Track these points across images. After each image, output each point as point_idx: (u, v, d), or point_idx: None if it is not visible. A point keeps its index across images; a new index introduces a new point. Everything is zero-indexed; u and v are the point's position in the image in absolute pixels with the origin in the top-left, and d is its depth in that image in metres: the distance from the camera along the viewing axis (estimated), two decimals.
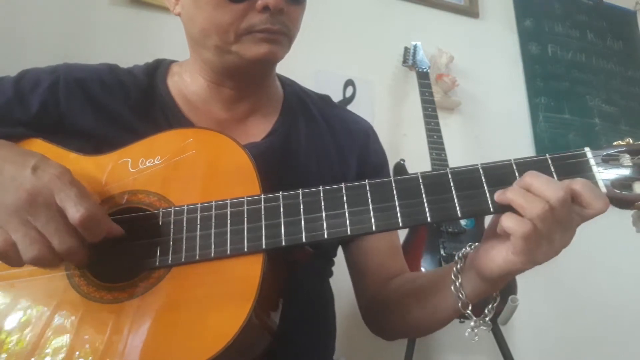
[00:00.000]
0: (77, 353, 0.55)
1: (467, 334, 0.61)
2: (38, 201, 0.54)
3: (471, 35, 2.23)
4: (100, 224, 0.57)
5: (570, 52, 2.40)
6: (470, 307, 0.61)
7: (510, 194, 0.53)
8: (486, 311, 0.61)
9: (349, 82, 1.91)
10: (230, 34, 0.69)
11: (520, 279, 1.47)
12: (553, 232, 0.52)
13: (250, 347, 0.57)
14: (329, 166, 0.81)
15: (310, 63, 1.80)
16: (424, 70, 1.88)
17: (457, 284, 0.62)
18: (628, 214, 0.55)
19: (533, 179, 0.52)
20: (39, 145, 0.70)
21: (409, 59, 1.96)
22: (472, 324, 0.61)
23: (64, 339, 0.56)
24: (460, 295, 0.61)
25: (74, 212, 0.54)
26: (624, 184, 0.53)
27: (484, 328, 0.61)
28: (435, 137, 1.66)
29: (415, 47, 1.97)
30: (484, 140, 2.06)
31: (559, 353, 1.89)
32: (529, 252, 0.53)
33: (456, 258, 0.64)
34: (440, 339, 1.74)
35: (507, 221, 0.53)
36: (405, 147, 1.89)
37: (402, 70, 2.03)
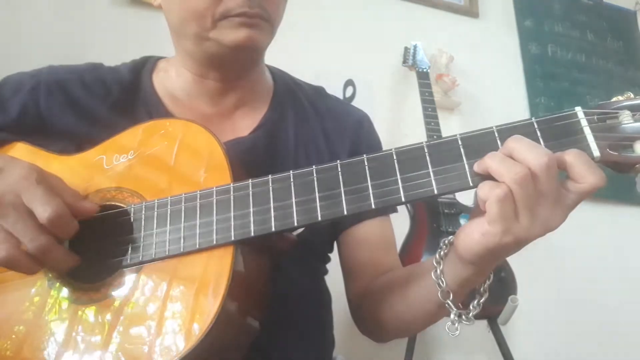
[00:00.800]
0: (52, 354, 0.55)
1: (447, 327, 0.56)
2: (4, 203, 0.53)
3: (471, 35, 2.23)
4: (70, 220, 0.56)
5: (570, 52, 2.40)
6: (451, 297, 0.56)
7: (488, 159, 0.48)
8: (471, 307, 0.56)
9: (349, 82, 1.91)
10: (207, 20, 0.68)
11: (520, 279, 1.47)
12: (536, 204, 0.47)
13: (231, 339, 0.57)
14: (319, 159, 0.79)
15: (310, 63, 1.80)
16: (424, 70, 1.88)
17: (438, 270, 0.57)
18: (629, 211, 0.54)
19: (515, 142, 0.48)
20: (21, 149, 0.70)
21: (409, 59, 1.96)
22: (451, 316, 0.56)
23: (40, 341, 0.56)
24: (440, 283, 0.56)
25: (42, 211, 0.53)
26: (624, 144, 0.47)
27: (466, 323, 0.56)
28: (435, 137, 1.64)
29: (415, 47, 1.97)
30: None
31: (559, 353, 1.89)
32: (505, 221, 0.47)
33: (441, 244, 0.58)
34: (441, 338, 1.74)
35: (482, 188, 0.47)
36: None
37: (402, 70, 2.03)
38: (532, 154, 0.46)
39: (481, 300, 0.57)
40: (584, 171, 0.46)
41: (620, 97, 0.50)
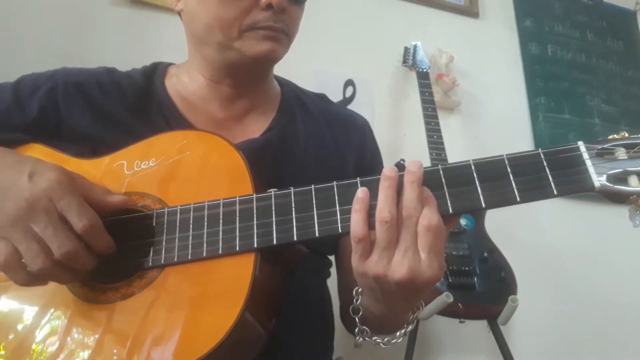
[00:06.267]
0: (71, 353, 0.55)
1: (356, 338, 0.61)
2: (37, 208, 0.54)
3: (471, 35, 2.22)
4: (103, 231, 0.57)
5: (570, 52, 2.40)
6: (360, 313, 0.60)
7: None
8: (380, 337, 0.61)
9: (349, 82, 1.91)
10: (234, 30, 0.70)
11: (520, 279, 1.47)
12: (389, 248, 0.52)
13: (245, 345, 0.58)
14: (327, 161, 0.81)
15: (310, 63, 1.80)
16: (424, 70, 1.88)
17: (360, 289, 0.60)
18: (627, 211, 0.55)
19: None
20: (37, 150, 0.70)
21: (409, 59, 1.96)
22: (356, 330, 0.61)
23: (58, 339, 0.56)
24: (357, 298, 0.60)
25: (77, 222, 0.54)
26: (619, 177, 0.52)
27: (368, 339, 0.61)
28: (435, 137, 1.66)
29: (415, 47, 1.97)
30: (484, 140, 2.06)
31: (559, 353, 1.89)
32: (361, 257, 0.53)
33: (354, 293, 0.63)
34: (440, 338, 1.74)
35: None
36: (405, 147, 1.89)
37: (402, 70, 2.03)
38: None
39: (407, 329, 0.62)
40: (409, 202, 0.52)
41: (616, 136, 0.55)
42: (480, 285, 1.42)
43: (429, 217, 0.51)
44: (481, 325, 1.51)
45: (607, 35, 2.51)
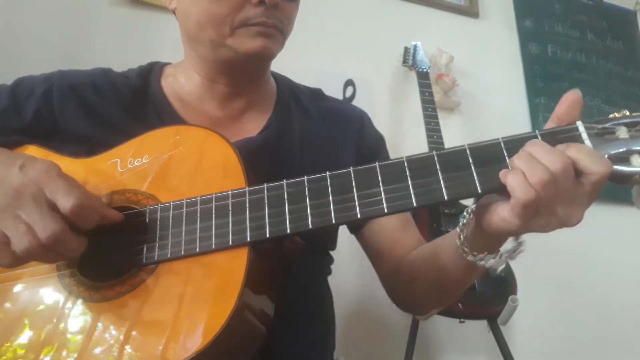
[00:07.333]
0: (68, 352, 0.55)
1: (488, 264, 0.57)
2: (25, 195, 0.54)
3: (471, 35, 2.23)
4: (92, 210, 0.57)
5: (570, 52, 2.40)
6: (477, 256, 0.58)
7: (515, 160, 0.50)
8: (502, 251, 0.57)
9: (349, 82, 1.91)
10: (226, 27, 0.70)
11: (520, 279, 1.47)
12: (554, 204, 0.49)
13: (242, 341, 0.57)
14: (324, 158, 0.81)
15: (310, 63, 1.80)
16: (424, 70, 1.88)
17: (462, 237, 0.59)
18: (628, 212, 0.54)
19: (532, 147, 0.50)
20: (33, 151, 0.70)
21: (409, 59, 1.96)
22: (491, 261, 0.57)
23: (55, 339, 0.56)
24: (465, 249, 0.58)
25: (65, 202, 0.54)
26: (621, 157, 0.50)
27: (500, 266, 0.57)
28: (435, 137, 1.66)
29: (415, 47, 1.97)
30: (484, 140, 2.05)
31: (559, 353, 1.89)
32: (526, 218, 0.50)
33: (464, 213, 0.61)
34: (440, 338, 1.74)
35: (514, 179, 0.49)
36: (405, 147, 1.89)
37: (402, 70, 2.03)
38: (549, 159, 0.48)
39: (519, 247, 0.58)
40: (588, 163, 0.48)
41: (616, 114, 0.52)
42: (480, 285, 1.42)
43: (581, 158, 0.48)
44: (481, 325, 1.51)
45: (607, 35, 2.51)
